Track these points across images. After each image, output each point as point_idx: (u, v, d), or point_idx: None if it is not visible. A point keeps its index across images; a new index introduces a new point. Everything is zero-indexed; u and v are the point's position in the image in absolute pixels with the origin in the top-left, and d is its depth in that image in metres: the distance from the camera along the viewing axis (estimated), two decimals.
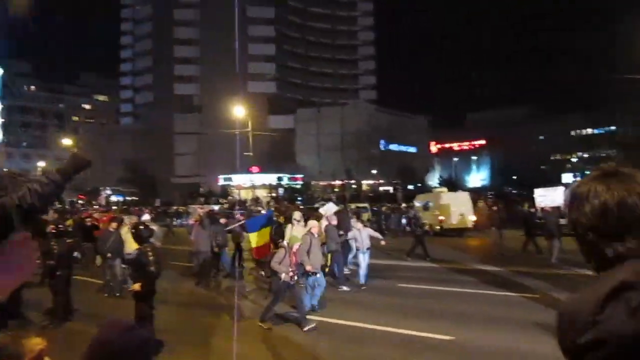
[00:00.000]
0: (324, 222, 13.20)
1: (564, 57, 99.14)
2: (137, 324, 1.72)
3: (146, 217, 17.42)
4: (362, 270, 12.96)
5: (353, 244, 14.11)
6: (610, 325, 0.90)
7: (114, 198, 71.82)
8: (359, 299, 11.50)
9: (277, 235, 13.62)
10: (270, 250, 10.33)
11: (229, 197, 61.75)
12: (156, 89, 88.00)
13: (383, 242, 14.80)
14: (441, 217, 25.84)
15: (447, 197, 27.40)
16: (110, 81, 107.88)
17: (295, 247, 9.17)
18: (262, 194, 64.82)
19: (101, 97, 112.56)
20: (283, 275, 8.71)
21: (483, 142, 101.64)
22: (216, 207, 35.21)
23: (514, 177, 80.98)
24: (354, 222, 14.36)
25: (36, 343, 1.98)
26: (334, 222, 13.04)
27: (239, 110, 51.84)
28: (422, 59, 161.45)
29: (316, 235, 10.28)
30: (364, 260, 12.99)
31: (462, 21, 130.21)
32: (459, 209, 25.67)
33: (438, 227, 25.40)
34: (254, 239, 9.93)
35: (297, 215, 13.57)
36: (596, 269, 1.06)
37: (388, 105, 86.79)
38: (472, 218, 25.69)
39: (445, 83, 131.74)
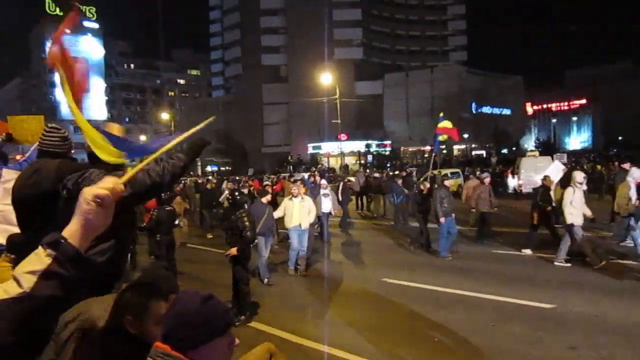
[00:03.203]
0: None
1: None
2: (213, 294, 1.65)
3: (302, 176, 17.43)
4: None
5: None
6: None
7: (208, 168, 75.04)
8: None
9: (544, 200, 11.94)
10: None
11: (319, 165, 62.41)
12: (244, 61, 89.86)
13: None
14: (520, 182, 24.82)
15: (528, 161, 25.71)
16: (202, 56, 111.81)
17: None
18: (350, 161, 64.85)
19: (194, 72, 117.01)
20: None
21: (584, 101, 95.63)
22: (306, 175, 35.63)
23: (620, 138, 75.57)
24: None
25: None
26: None
27: (326, 78, 51.78)
28: (515, 15, 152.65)
29: None
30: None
31: None
32: (536, 173, 24.14)
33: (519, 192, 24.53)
34: None
35: (579, 176, 10.47)
36: None
37: (480, 67, 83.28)
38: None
39: (540, 39, 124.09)
